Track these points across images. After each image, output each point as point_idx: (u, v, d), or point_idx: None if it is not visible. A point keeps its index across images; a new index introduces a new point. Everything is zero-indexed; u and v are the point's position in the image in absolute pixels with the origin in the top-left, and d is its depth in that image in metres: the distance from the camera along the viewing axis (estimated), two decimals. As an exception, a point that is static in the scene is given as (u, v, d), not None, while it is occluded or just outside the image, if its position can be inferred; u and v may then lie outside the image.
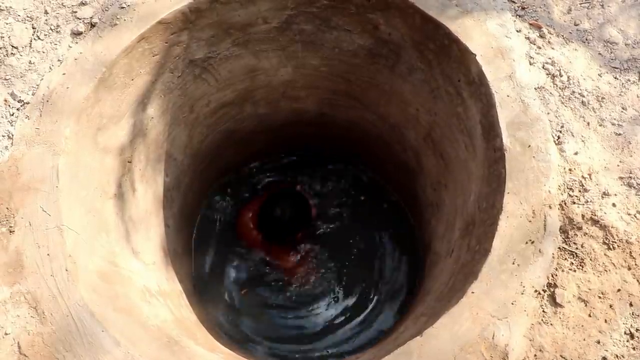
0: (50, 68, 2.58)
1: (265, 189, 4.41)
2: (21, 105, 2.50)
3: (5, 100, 2.50)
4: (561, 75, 2.56)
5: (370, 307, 3.93)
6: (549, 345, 2.03)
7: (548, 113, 2.47)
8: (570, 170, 2.35)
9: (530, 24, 2.71)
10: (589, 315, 2.09)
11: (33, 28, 2.71)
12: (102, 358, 2.03)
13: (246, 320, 3.91)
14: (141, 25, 2.67)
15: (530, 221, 2.22)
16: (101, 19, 2.69)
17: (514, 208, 2.25)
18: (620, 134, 2.45)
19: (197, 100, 3.35)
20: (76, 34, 2.67)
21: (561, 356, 2.02)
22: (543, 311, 2.09)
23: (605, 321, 2.08)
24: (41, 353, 2.04)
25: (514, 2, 2.76)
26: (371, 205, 4.37)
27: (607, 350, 2.03)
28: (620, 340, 2.05)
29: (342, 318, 3.91)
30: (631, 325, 2.08)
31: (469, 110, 2.74)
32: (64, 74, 2.55)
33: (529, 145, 2.36)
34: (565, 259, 2.18)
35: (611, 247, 2.21)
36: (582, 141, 2.43)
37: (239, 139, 4.02)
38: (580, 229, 2.23)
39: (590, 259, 2.18)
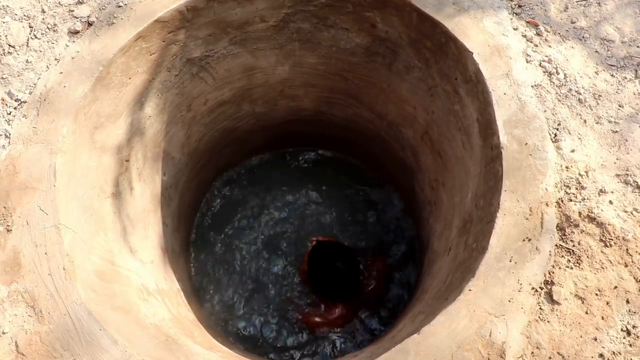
0: (48, 67, 2.58)
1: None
2: (18, 104, 2.49)
3: (3, 99, 2.50)
4: (558, 73, 2.57)
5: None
6: (546, 343, 2.04)
7: (545, 111, 2.47)
8: (567, 167, 2.35)
9: (527, 22, 2.71)
10: (586, 313, 2.09)
11: (30, 27, 2.71)
12: (100, 356, 2.03)
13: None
14: (138, 24, 2.66)
15: (527, 219, 2.22)
16: (98, 18, 2.69)
17: (511, 206, 2.25)
18: (616, 132, 2.45)
19: (195, 98, 3.35)
20: (73, 32, 2.67)
21: (558, 353, 2.02)
22: (540, 308, 2.10)
23: (602, 318, 2.09)
24: (39, 352, 2.04)
25: (510, 0, 2.76)
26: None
27: (604, 347, 2.03)
28: (617, 337, 2.06)
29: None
30: (628, 322, 2.08)
31: (466, 108, 2.75)
32: (61, 72, 2.54)
33: (526, 143, 2.37)
34: (562, 256, 2.18)
35: (608, 244, 2.21)
36: (579, 139, 2.43)
37: (236, 138, 4.02)
38: (577, 226, 2.24)
39: (587, 256, 2.19)
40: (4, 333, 2.08)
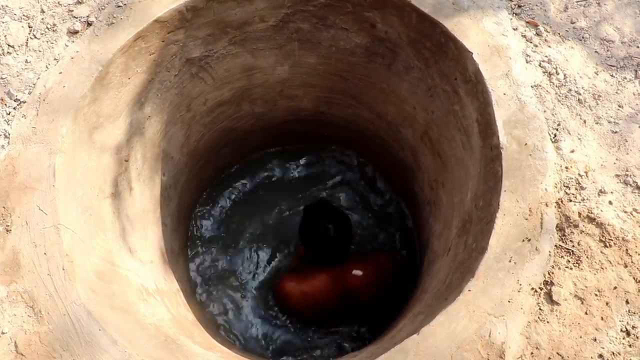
0: (47, 67, 2.58)
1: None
2: (18, 105, 2.49)
3: (2, 100, 2.50)
4: (557, 74, 2.57)
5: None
6: (545, 343, 2.04)
7: (544, 111, 2.47)
8: (566, 168, 2.35)
9: (527, 22, 2.71)
10: (586, 313, 2.09)
11: (29, 27, 2.70)
12: (99, 357, 2.03)
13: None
14: (138, 24, 2.66)
15: (526, 219, 2.23)
16: (97, 18, 2.69)
17: (511, 206, 2.25)
18: (616, 132, 2.45)
19: (194, 99, 3.35)
20: (72, 32, 2.67)
21: (558, 354, 2.02)
22: (539, 309, 2.10)
23: (602, 319, 2.09)
24: (38, 352, 2.04)
25: (510, 0, 2.76)
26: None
27: (603, 348, 2.03)
28: (616, 338, 2.06)
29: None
30: (627, 322, 2.08)
31: (466, 109, 2.75)
32: (60, 72, 2.54)
33: (526, 144, 2.37)
34: (562, 256, 2.19)
35: (607, 244, 2.21)
36: (579, 139, 2.43)
37: (235, 138, 4.02)
38: (576, 226, 2.24)
39: (587, 257, 2.19)
40: (3, 333, 2.07)
